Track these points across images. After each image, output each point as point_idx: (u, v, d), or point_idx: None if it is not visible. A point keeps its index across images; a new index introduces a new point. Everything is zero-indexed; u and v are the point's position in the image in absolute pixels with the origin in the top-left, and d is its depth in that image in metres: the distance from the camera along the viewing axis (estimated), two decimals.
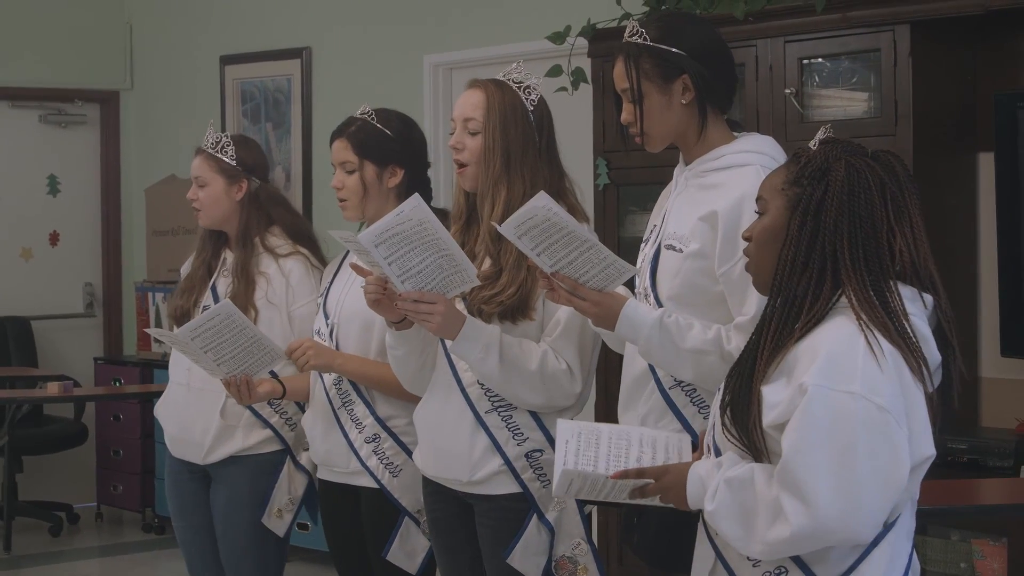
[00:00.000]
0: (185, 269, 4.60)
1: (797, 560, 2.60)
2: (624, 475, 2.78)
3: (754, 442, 2.60)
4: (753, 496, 2.57)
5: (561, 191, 3.64)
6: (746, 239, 2.76)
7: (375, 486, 4.00)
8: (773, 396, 2.57)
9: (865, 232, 2.61)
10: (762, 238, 2.71)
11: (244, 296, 4.34)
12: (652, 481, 2.77)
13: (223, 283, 4.45)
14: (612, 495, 2.82)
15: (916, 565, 2.71)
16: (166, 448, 4.61)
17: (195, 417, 4.43)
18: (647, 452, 2.84)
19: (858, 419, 2.49)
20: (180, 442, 4.50)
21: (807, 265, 2.62)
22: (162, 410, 4.61)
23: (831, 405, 2.50)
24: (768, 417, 2.57)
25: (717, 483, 2.63)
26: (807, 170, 2.67)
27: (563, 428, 2.95)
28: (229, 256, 4.48)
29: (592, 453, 2.80)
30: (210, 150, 4.46)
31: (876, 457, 2.50)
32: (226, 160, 4.45)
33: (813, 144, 2.73)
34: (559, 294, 3.22)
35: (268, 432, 4.39)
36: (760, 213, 2.74)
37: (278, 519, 4.39)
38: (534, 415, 3.58)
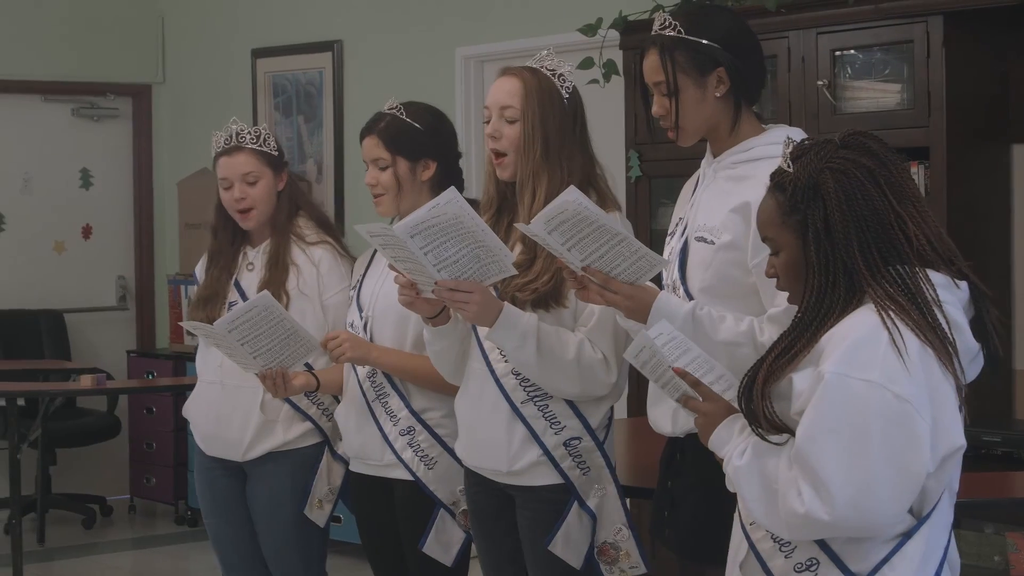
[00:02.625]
0: (199, 272, 4.55)
1: (829, 552, 2.60)
2: (683, 375, 2.80)
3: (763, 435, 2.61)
4: (775, 464, 2.58)
5: (592, 178, 3.63)
6: (772, 276, 2.76)
7: (409, 478, 3.99)
8: (800, 384, 2.57)
9: (873, 231, 2.60)
10: (789, 274, 2.71)
11: (277, 284, 4.29)
12: (700, 398, 2.79)
13: (247, 278, 4.40)
14: (666, 385, 2.86)
15: (955, 557, 2.70)
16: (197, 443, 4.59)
17: (231, 414, 4.39)
18: (716, 387, 2.84)
19: (874, 407, 2.48)
20: (216, 440, 4.45)
21: (835, 282, 2.61)
22: (192, 409, 4.56)
23: (846, 392, 2.50)
24: (795, 405, 2.57)
25: (748, 444, 2.64)
26: (798, 194, 2.64)
27: (662, 325, 2.93)
28: (250, 251, 4.45)
29: (676, 353, 2.84)
30: (253, 145, 4.43)
31: (891, 446, 2.48)
32: (271, 152, 4.43)
33: (785, 163, 2.69)
34: (590, 292, 3.21)
35: (308, 425, 4.35)
36: (774, 253, 2.73)
37: (319, 510, 4.36)
38: (570, 403, 3.58)
